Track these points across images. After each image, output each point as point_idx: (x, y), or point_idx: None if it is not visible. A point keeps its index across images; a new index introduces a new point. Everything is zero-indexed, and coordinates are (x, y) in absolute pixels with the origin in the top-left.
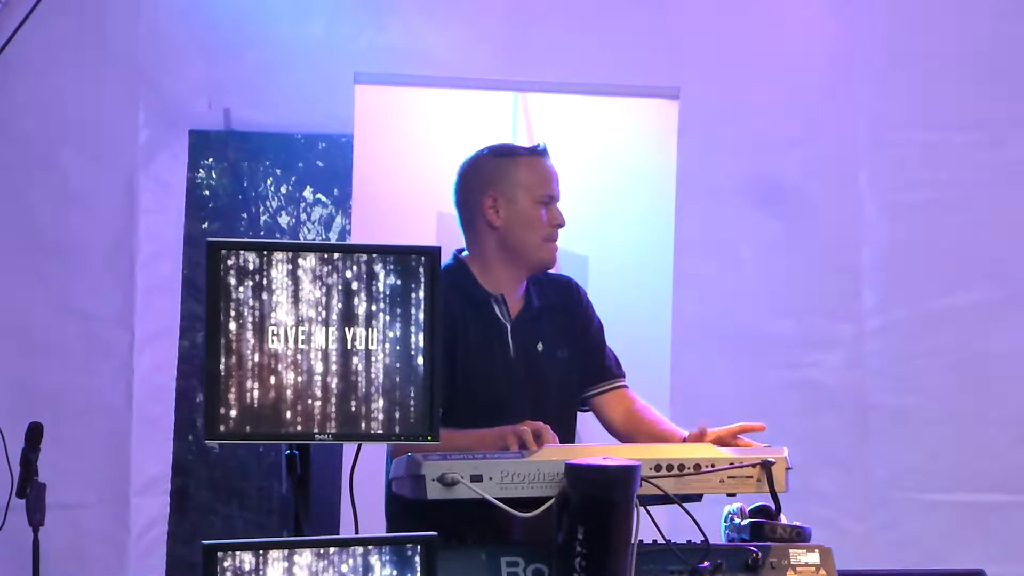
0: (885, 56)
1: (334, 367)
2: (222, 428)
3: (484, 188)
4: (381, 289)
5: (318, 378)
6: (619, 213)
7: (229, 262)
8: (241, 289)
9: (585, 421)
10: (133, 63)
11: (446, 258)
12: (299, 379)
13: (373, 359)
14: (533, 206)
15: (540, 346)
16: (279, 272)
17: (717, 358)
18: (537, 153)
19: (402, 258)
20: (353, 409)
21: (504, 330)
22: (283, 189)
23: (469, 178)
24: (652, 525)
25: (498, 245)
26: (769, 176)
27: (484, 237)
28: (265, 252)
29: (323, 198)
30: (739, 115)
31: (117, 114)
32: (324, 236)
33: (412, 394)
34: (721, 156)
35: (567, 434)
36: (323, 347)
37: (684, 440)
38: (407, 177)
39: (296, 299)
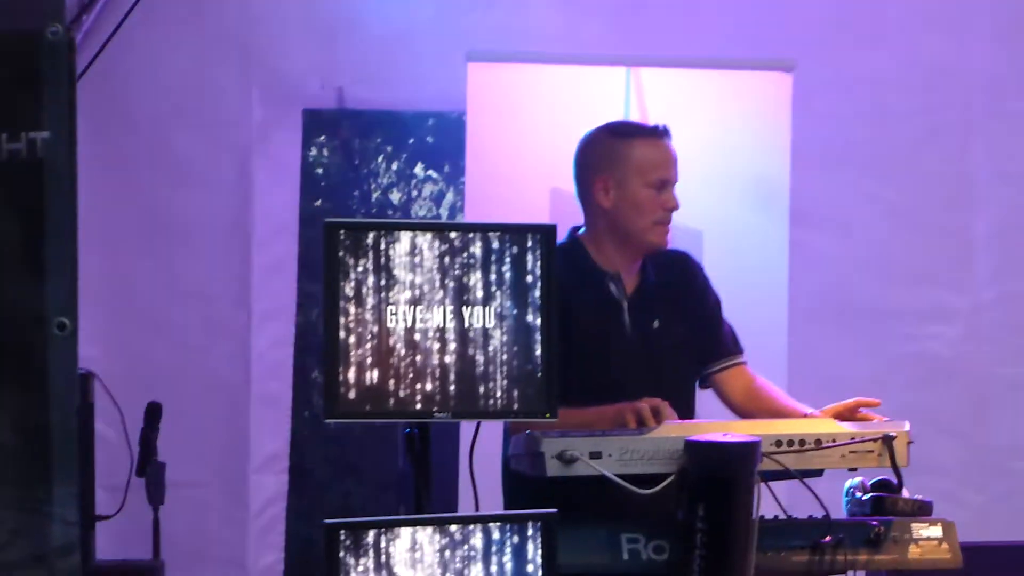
0: (1001, 24)
1: (452, 345)
2: (342, 407)
3: (596, 169)
4: (497, 267)
5: (436, 356)
6: (733, 187)
7: (347, 242)
8: (358, 269)
9: (703, 397)
10: (246, 44)
11: (561, 236)
12: (417, 357)
13: (490, 337)
14: (644, 190)
15: (656, 323)
16: (395, 251)
17: (833, 331)
18: (655, 134)
19: (518, 236)
20: (471, 387)
21: (620, 307)
22: (394, 166)
23: (584, 157)
24: (773, 500)
25: (609, 226)
26: (883, 147)
27: (596, 217)
28: (382, 231)
29: (434, 174)
30: (853, 86)
31: (231, 95)
32: (435, 212)
33: (530, 371)
34: (835, 128)
35: (686, 410)
36: (440, 325)
37: (806, 416)
38: (520, 154)
39: (413, 278)
